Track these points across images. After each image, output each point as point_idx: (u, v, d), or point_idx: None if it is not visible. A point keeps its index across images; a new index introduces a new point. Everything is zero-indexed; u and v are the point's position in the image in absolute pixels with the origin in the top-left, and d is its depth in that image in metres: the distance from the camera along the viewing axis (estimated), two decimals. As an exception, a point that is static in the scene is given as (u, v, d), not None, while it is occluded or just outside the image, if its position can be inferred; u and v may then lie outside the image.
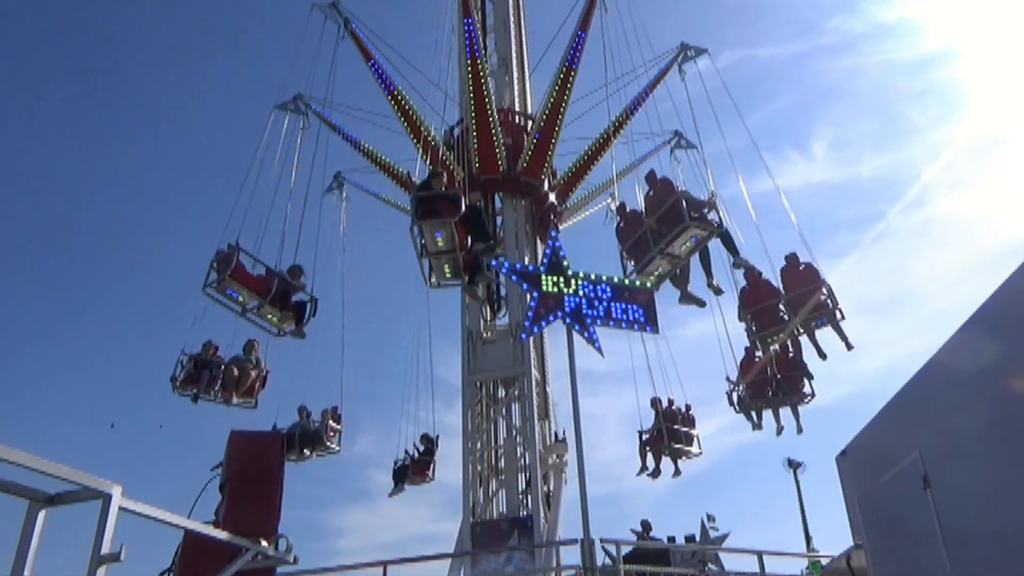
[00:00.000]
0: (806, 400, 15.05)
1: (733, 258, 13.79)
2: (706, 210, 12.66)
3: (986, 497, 4.05)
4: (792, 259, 14.66)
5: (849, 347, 14.11)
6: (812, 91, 61.64)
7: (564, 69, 16.69)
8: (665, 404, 16.48)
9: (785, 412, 15.30)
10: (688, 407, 16.76)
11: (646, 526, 15.12)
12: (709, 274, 13.71)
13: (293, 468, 16.44)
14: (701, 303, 14.01)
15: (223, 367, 14.44)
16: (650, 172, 14.26)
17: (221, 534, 4.57)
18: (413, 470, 17.77)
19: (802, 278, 14.36)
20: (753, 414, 15.44)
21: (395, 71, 17.03)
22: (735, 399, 15.57)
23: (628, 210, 14.01)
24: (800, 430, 15.10)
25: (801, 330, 14.34)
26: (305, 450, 16.24)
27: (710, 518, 16.85)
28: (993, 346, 4.02)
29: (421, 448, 17.98)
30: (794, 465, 23.96)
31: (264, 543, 4.81)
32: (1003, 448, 3.87)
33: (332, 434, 16.80)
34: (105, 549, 3.41)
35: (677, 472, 16.59)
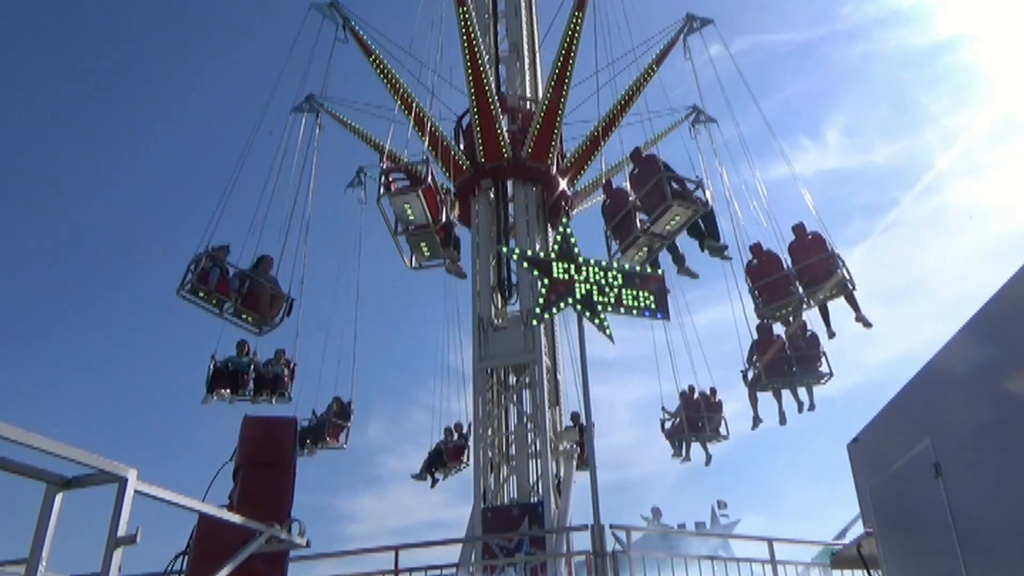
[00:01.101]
0: (823, 380, 14.71)
1: (707, 242, 13.46)
2: (692, 188, 12.37)
3: (997, 486, 4.04)
4: (799, 230, 14.33)
5: (867, 324, 13.74)
6: (825, 77, 61.21)
7: (563, 51, 16.59)
8: (686, 390, 16.44)
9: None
10: (713, 391, 16.68)
11: (656, 512, 15.19)
12: (702, 246, 13.45)
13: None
14: (694, 275, 13.87)
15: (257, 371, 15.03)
16: (635, 150, 14.12)
17: (235, 518, 4.62)
18: (448, 455, 17.96)
19: (810, 248, 14.02)
20: (770, 394, 15.12)
21: (400, 66, 17.10)
22: (750, 378, 15.28)
23: (614, 187, 13.81)
24: (812, 407, 14.80)
25: (811, 303, 14.02)
26: (308, 442, 16.50)
27: (721, 505, 16.93)
28: (1006, 335, 4.00)
29: (455, 436, 18.21)
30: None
31: (277, 527, 4.86)
32: (1015, 438, 3.86)
33: (336, 431, 17.10)
34: (121, 532, 3.46)
35: (708, 459, 16.52)
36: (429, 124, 16.46)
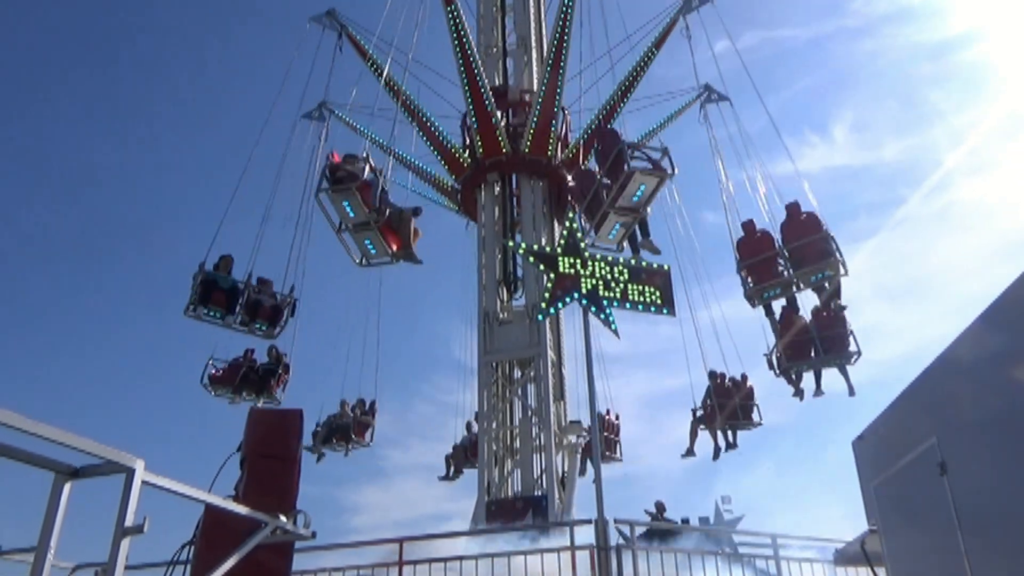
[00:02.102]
0: (853, 360, 14.11)
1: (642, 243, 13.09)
2: (659, 157, 11.97)
3: (1003, 485, 4.03)
4: (793, 208, 14.03)
5: (842, 308, 13.61)
6: (833, 74, 60.79)
7: (556, 40, 16.55)
8: (717, 376, 16.20)
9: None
10: (744, 377, 16.34)
11: (660, 507, 15.17)
12: (647, 233, 13.08)
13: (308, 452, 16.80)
14: (656, 250, 13.42)
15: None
16: (597, 126, 13.95)
17: (241, 509, 4.64)
18: (471, 451, 18.01)
19: (803, 228, 13.70)
20: (793, 376, 14.67)
21: (403, 67, 17.16)
22: (774, 361, 14.85)
23: (582, 169, 13.62)
24: (852, 392, 14.21)
25: (801, 285, 13.79)
26: (335, 442, 16.81)
27: (725, 500, 16.88)
28: (1015, 333, 3.98)
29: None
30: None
31: (283, 518, 4.88)
32: (1022, 436, 3.85)
33: (363, 428, 17.35)
34: (129, 521, 3.49)
35: (734, 445, 16.10)
36: (427, 122, 16.65)
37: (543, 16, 19.45)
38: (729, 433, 16.04)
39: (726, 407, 15.70)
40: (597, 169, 12.76)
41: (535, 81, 18.21)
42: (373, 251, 13.89)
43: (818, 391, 14.66)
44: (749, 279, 14.07)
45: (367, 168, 13.15)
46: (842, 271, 13.34)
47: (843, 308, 14.00)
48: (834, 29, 60.01)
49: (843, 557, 6.34)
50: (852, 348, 14.17)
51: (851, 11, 57.72)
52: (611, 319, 8.55)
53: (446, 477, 18.85)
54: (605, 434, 17.59)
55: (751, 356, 16.55)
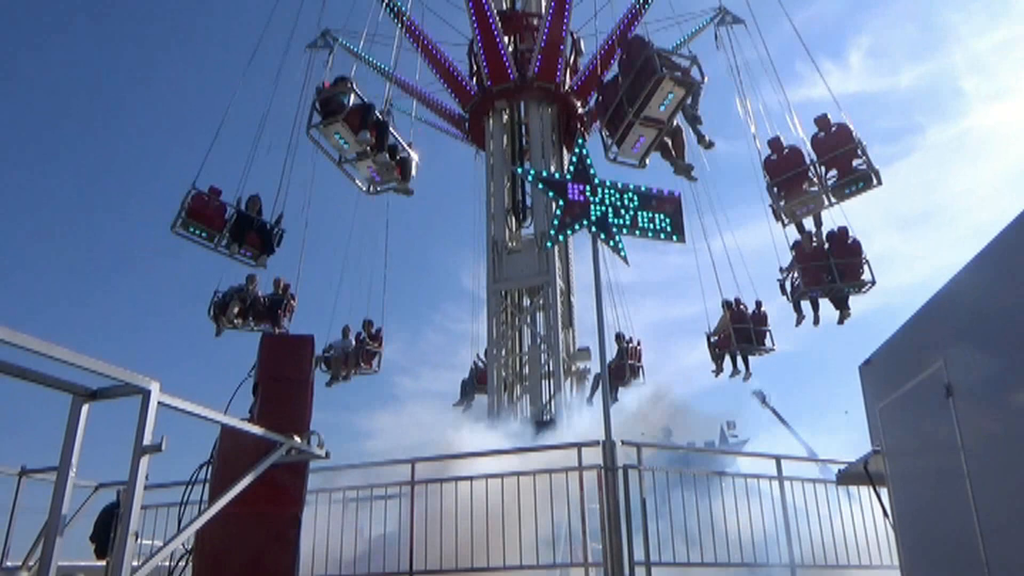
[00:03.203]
0: (865, 288, 13.98)
1: (676, 163, 12.64)
2: (687, 65, 11.52)
3: (1007, 407, 4.07)
4: (823, 122, 13.65)
5: (844, 316, 13.71)
6: (851, -4, 58.72)
7: None
8: (732, 303, 16.24)
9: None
10: (759, 303, 16.34)
11: (666, 432, 15.46)
12: (699, 134, 12.59)
13: (322, 371, 17.02)
14: (692, 173, 12.91)
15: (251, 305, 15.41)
16: (621, 34, 13.53)
17: (256, 429, 4.75)
18: (479, 379, 18.31)
19: (834, 140, 13.35)
20: (801, 302, 14.50)
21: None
22: (787, 288, 14.71)
23: (606, 82, 13.19)
24: (847, 316, 14.22)
25: (834, 199, 13.52)
26: (342, 372, 16.93)
27: (730, 425, 17.17)
28: (1022, 261, 3.96)
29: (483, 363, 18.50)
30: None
31: (297, 439, 4.99)
32: (1029, 357, 3.87)
33: (370, 355, 17.45)
34: (147, 441, 3.58)
35: (747, 373, 16.25)
36: (432, 50, 16.18)
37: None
38: (739, 359, 16.18)
39: (740, 333, 15.79)
40: (620, 79, 12.32)
41: (543, 4, 17.71)
42: (377, 178, 13.70)
43: (817, 320, 14.64)
44: (780, 197, 13.79)
45: (352, 96, 12.82)
46: (875, 181, 13.10)
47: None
48: (854, -53, 57.71)
49: (846, 477, 6.47)
50: (866, 277, 14.01)
51: (872, -72, 55.36)
52: (620, 246, 8.52)
53: (460, 403, 19.16)
54: (629, 360, 17.72)
55: (764, 284, 16.59)
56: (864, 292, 13.99)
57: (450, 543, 7.55)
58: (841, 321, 14.24)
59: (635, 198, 8.66)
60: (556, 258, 15.49)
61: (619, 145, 11.99)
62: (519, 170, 15.94)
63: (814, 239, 14.20)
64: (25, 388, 3.50)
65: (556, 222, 8.48)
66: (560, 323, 14.99)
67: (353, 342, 17.52)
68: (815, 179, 13.51)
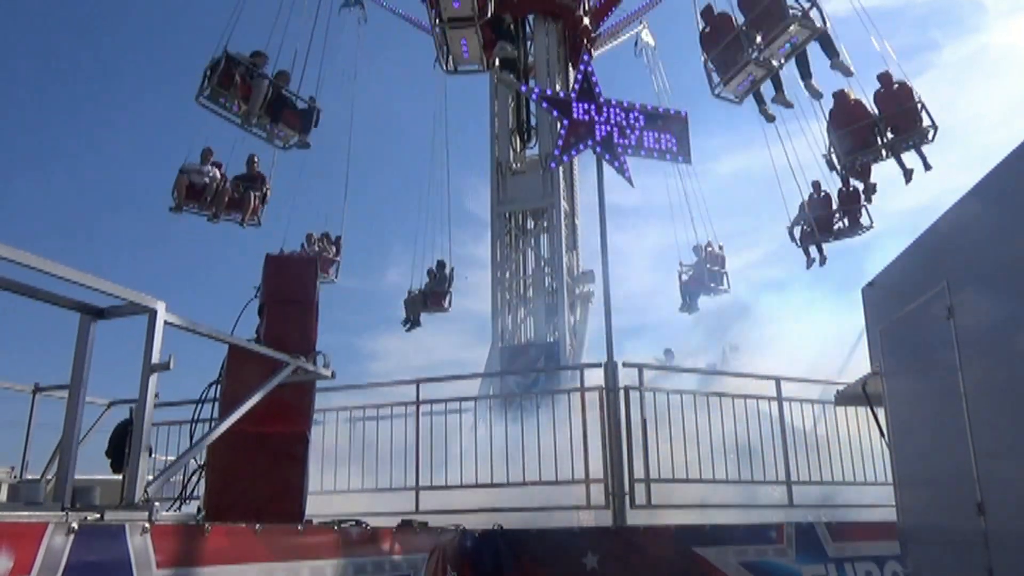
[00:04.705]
0: (861, 231, 15.27)
1: (831, 60, 13.05)
2: (808, 6, 11.65)
3: (1007, 328, 4.09)
4: (886, 79, 14.03)
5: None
6: (871, -100, 55.92)
7: None
8: (811, 190, 16.17)
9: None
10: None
11: (669, 354, 15.65)
12: (808, 74, 13.03)
13: (328, 296, 17.11)
14: (789, 104, 13.72)
15: (220, 188, 14.43)
16: None
17: (263, 349, 4.82)
18: (432, 300, 18.32)
19: (897, 98, 13.86)
20: (813, 249, 15.77)
21: None
22: (796, 234, 15.85)
23: (716, 13, 13.07)
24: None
25: (889, 153, 14.08)
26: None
27: (732, 348, 17.33)
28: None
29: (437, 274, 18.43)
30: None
31: (303, 358, 5.07)
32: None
33: (328, 264, 17.28)
34: (155, 359, 3.64)
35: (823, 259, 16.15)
36: None
37: None
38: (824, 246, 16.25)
39: (824, 220, 15.94)
40: (742, 15, 12.24)
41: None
42: (467, 56, 13.43)
43: (822, 259, 15.61)
44: (839, 146, 14.29)
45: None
46: (930, 136, 13.57)
47: (910, 179, 14.11)
48: None
49: (844, 398, 6.57)
50: (864, 221, 15.02)
51: None
52: (625, 167, 8.42)
53: (407, 324, 18.85)
54: (710, 267, 18.04)
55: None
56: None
57: (454, 461, 7.76)
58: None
59: (641, 117, 8.52)
60: (560, 179, 15.35)
61: (726, 84, 12.22)
62: (524, 88, 15.63)
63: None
64: (36, 308, 3.54)
65: (560, 143, 8.37)
66: (564, 246, 14.97)
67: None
68: (878, 134, 13.95)
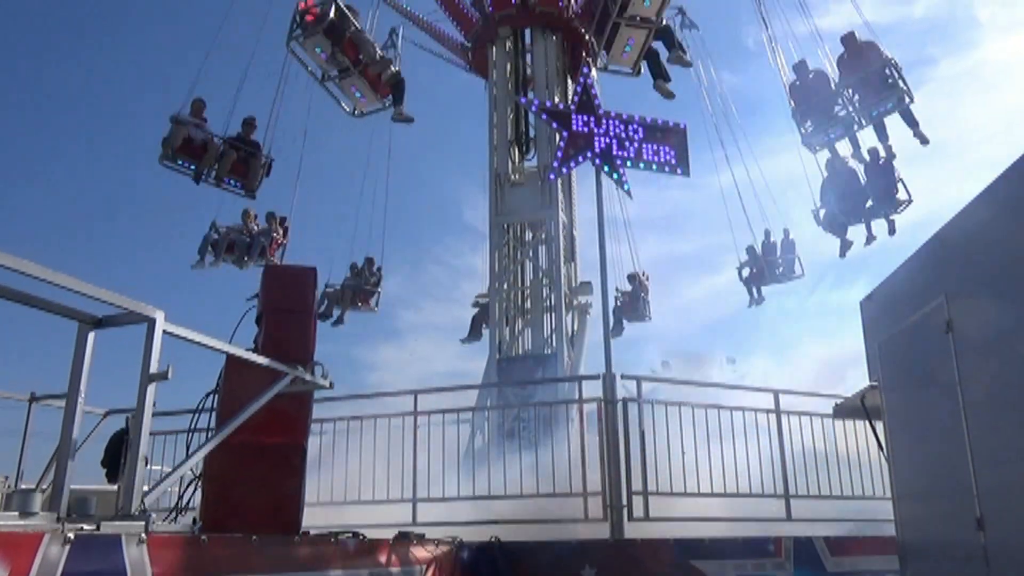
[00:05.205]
0: (900, 208, 13.37)
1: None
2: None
3: (1006, 341, 4.09)
4: (849, 40, 13.08)
5: (924, 142, 12.67)
6: (867, -84, 56.38)
7: None
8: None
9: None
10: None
11: (666, 366, 15.63)
12: (672, 45, 12.88)
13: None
14: (670, 94, 13.47)
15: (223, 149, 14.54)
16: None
17: (261, 359, 4.80)
18: (360, 298, 17.84)
19: (862, 59, 12.80)
20: (844, 232, 14.05)
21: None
22: (821, 217, 14.27)
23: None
24: (870, 240, 13.77)
25: (864, 121, 13.05)
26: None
27: (730, 360, 17.32)
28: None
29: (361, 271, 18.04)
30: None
31: (301, 368, 5.05)
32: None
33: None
34: (153, 369, 3.62)
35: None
36: None
37: None
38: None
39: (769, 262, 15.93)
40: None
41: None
42: (361, 97, 13.50)
43: (868, 240, 14.14)
44: (807, 124, 13.55)
45: (332, 8, 12.53)
46: (907, 99, 12.62)
47: (892, 157, 13.35)
48: None
49: (842, 411, 6.56)
50: (901, 196, 13.43)
51: None
52: (624, 179, 8.44)
53: (468, 339, 18.77)
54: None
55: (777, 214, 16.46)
56: (899, 213, 13.35)
57: (452, 473, 7.73)
58: (868, 243, 13.87)
59: (640, 130, 8.54)
60: (559, 190, 15.36)
61: (608, 50, 12.00)
62: (523, 100, 15.68)
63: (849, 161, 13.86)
64: (33, 316, 3.53)
65: (559, 154, 8.39)
66: (562, 257, 14.96)
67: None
68: (841, 104, 13.12)
